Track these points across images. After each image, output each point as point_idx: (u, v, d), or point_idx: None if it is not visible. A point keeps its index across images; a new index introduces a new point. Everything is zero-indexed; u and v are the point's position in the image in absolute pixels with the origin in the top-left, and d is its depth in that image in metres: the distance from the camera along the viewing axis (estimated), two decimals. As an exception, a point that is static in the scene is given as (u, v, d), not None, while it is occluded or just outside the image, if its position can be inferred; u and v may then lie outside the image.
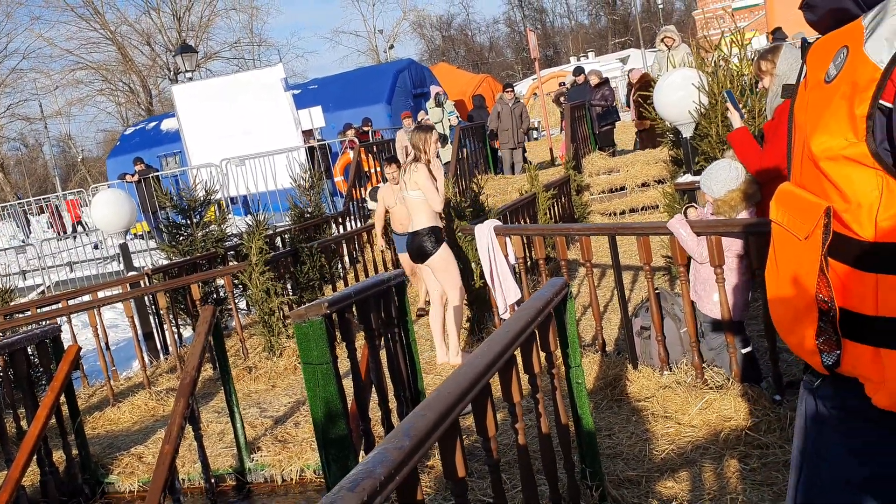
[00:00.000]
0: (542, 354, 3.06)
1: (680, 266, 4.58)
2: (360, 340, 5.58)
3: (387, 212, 7.97)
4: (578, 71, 15.16)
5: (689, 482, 3.69)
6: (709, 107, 6.31)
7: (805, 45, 1.65)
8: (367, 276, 9.03)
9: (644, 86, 12.27)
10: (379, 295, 4.46)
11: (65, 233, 21.65)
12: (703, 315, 4.54)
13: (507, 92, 15.07)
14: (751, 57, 6.43)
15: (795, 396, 4.07)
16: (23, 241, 17.12)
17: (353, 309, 4.28)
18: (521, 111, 14.72)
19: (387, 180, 8.09)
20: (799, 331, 1.58)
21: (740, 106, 5.02)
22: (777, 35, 14.17)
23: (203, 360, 4.96)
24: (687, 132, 6.65)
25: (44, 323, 6.78)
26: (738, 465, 3.73)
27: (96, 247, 16.17)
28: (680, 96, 6.51)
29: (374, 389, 4.55)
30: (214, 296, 8.69)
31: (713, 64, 6.50)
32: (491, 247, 6.07)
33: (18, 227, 19.21)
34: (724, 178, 4.40)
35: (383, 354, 4.63)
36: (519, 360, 2.72)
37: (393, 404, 4.71)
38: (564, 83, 21.15)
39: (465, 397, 2.21)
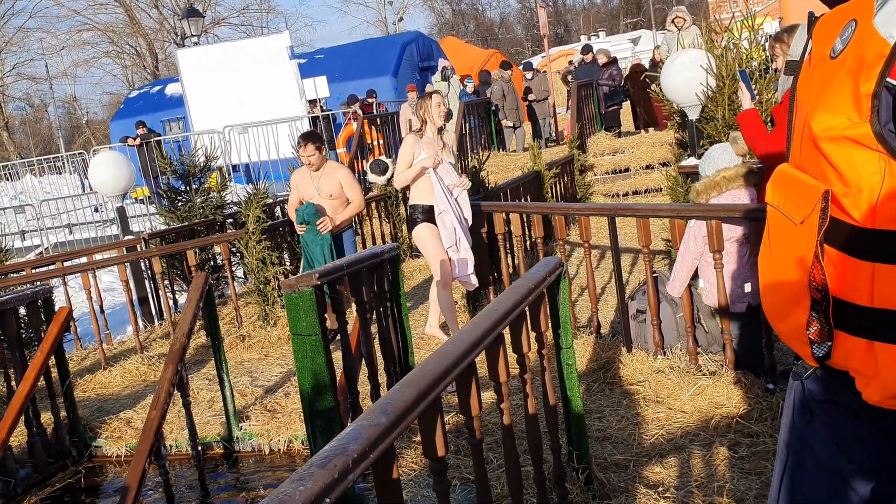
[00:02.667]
0: (533, 334, 3.01)
1: (677, 251, 4.52)
2: (351, 314, 5.53)
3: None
4: (587, 49, 15.02)
5: (676, 468, 3.66)
6: (716, 90, 6.20)
7: (812, 20, 1.57)
8: (364, 248, 8.97)
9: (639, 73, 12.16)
10: (372, 268, 4.41)
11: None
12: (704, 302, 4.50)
13: (509, 72, 14.94)
14: (762, 41, 6.33)
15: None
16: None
17: (346, 281, 4.24)
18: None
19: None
20: (790, 319, 1.52)
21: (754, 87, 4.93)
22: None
23: (194, 327, 4.92)
24: (693, 114, 6.56)
25: (37, 284, 6.75)
26: (727, 452, 3.69)
27: (96, 209, 16.11)
28: (687, 78, 6.41)
29: (363, 363, 4.52)
30: (211, 263, 8.65)
31: (723, 47, 6.38)
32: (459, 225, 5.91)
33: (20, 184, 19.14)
34: (708, 160, 4.47)
35: (375, 329, 4.61)
36: (508, 338, 2.67)
37: (383, 378, 4.68)
38: (573, 61, 20.98)
39: (449, 375, 2.16)
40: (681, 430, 4.01)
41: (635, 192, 11.21)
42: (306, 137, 6.49)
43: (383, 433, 1.78)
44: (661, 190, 10.90)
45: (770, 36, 4.42)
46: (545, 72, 16.95)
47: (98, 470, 5.36)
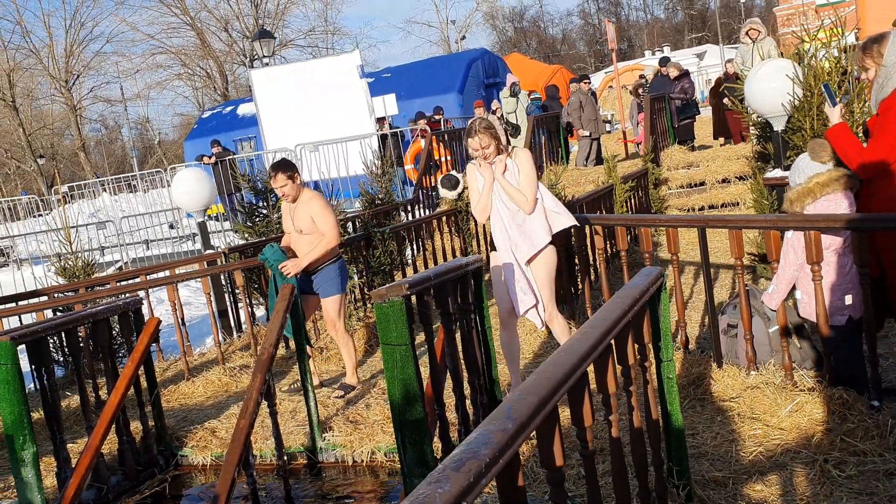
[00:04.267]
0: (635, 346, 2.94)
1: (774, 263, 4.39)
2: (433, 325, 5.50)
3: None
4: (664, 61, 14.85)
5: (779, 486, 3.52)
6: (803, 99, 6.04)
7: None
8: (434, 263, 8.97)
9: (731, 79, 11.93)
10: (457, 279, 4.40)
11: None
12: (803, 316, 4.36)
13: (585, 83, 14.84)
14: (851, 51, 6.15)
15: (895, 402, 3.86)
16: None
17: (431, 292, 4.23)
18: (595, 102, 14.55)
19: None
20: None
21: (838, 100, 4.78)
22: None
23: (281, 337, 4.97)
24: (779, 125, 6.40)
25: (125, 295, 6.93)
26: (833, 471, 3.54)
27: (172, 226, 16.54)
28: (773, 87, 6.26)
29: (448, 375, 4.50)
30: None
31: (810, 55, 6.22)
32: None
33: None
34: (797, 170, 4.41)
35: (458, 341, 4.57)
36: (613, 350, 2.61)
37: (467, 391, 4.64)
38: (644, 75, 20.76)
39: (565, 384, 2.11)
40: (780, 447, 3.87)
41: (711, 207, 10.96)
42: (276, 167, 5.93)
43: (511, 438, 1.75)
44: (737, 204, 10.66)
45: (858, 47, 4.27)
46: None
47: (184, 478, 5.44)
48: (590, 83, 15.02)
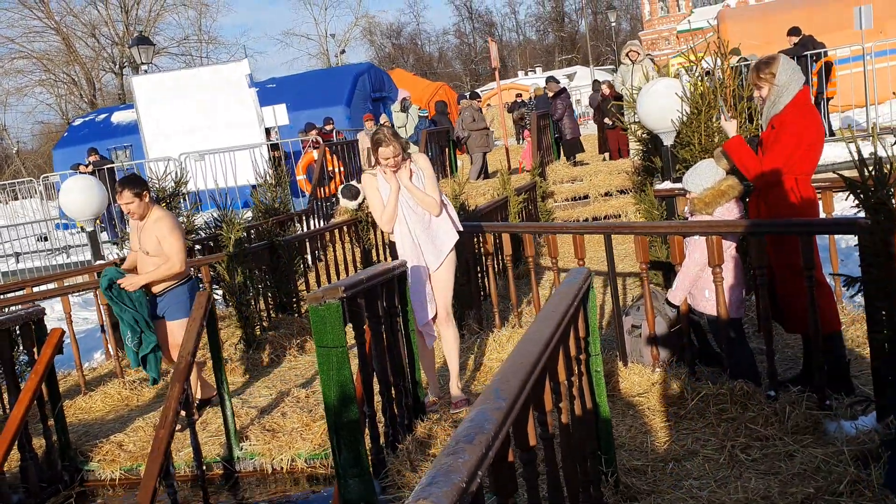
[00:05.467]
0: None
1: (678, 265, 4.72)
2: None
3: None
4: (550, 79, 15.45)
5: (693, 471, 3.80)
6: (692, 116, 6.50)
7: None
8: (337, 274, 8.97)
9: (616, 97, 12.55)
10: (385, 283, 4.49)
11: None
12: (700, 313, 4.70)
13: (477, 101, 15.26)
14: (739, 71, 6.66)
15: (788, 392, 4.23)
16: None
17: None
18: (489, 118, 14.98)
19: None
20: None
21: (729, 115, 5.18)
22: (733, 52, 14.60)
23: (198, 345, 4.90)
24: (668, 140, 6.84)
25: (11, 308, 6.58)
26: (740, 455, 3.85)
27: (45, 238, 15.68)
28: (663, 105, 6.70)
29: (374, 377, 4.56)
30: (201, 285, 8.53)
31: (696, 75, 6.69)
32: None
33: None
34: (704, 175, 4.65)
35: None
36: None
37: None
38: (521, 95, 21.47)
39: (536, 367, 2.26)
40: (690, 436, 4.17)
41: (595, 218, 11.48)
42: (123, 183, 5.57)
43: (505, 415, 1.88)
44: (619, 216, 11.22)
45: (751, 67, 4.66)
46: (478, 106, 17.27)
47: (90, 494, 5.25)
48: (479, 100, 15.42)
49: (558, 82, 15.15)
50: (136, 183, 5.61)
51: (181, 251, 5.59)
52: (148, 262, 5.62)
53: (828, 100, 12.72)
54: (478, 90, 41.77)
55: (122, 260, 6.34)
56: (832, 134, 12.12)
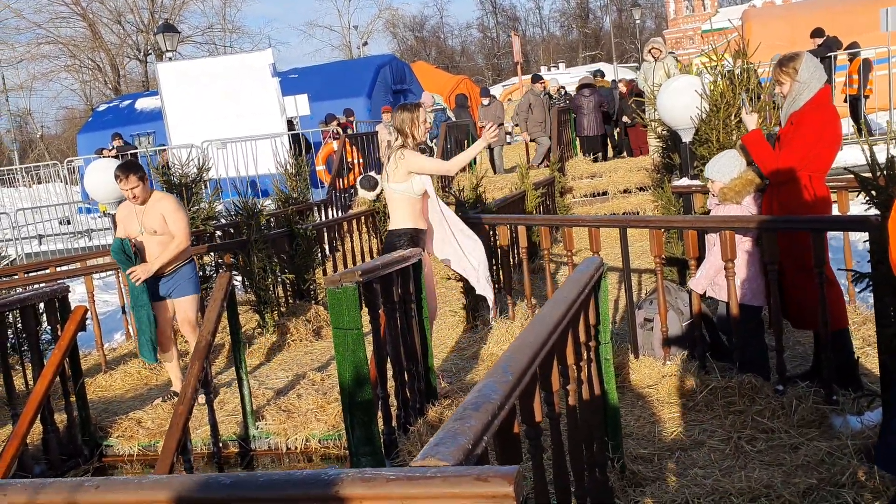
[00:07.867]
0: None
1: (691, 259, 4.78)
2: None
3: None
4: (599, 73, 15.46)
5: (699, 460, 3.87)
6: (711, 113, 6.53)
7: None
8: (353, 263, 9.08)
9: (638, 94, 12.56)
10: (401, 270, 4.58)
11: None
12: (716, 305, 4.76)
13: (539, 84, 15.22)
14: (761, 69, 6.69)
15: (796, 387, 4.28)
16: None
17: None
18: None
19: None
20: None
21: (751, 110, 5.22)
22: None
23: (219, 325, 5.01)
24: (686, 137, 6.88)
25: (36, 286, 6.73)
26: (745, 446, 3.91)
27: (67, 222, 15.91)
28: (683, 102, 6.73)
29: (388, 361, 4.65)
30: (200, 273, 8.67)
31: (716, 73, 6.72)
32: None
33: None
34: (731, 165, 4.69)
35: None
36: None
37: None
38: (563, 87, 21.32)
39: (544, 347, 2.34)
40: (697, 427, 4.23)
41: (613, 214, 11.51)
42: (126, 168, 5.66)
43: (512, 388, 1.96)
44: (638, 213, 11.24)
45: (774, 63, 4.70)
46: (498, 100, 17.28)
47: (108, 468, 5.38)
48: (543, 82, 15.38)
49: (604, 75, 15.14)
50: (137, 167, 5.77)
51: (187, 227, 5.83)
52: (153, 241, 5.75)
53: (866, 97, 12.56)
54: (498, 84, 41.78)
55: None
56: (871, 134, 11.92)
